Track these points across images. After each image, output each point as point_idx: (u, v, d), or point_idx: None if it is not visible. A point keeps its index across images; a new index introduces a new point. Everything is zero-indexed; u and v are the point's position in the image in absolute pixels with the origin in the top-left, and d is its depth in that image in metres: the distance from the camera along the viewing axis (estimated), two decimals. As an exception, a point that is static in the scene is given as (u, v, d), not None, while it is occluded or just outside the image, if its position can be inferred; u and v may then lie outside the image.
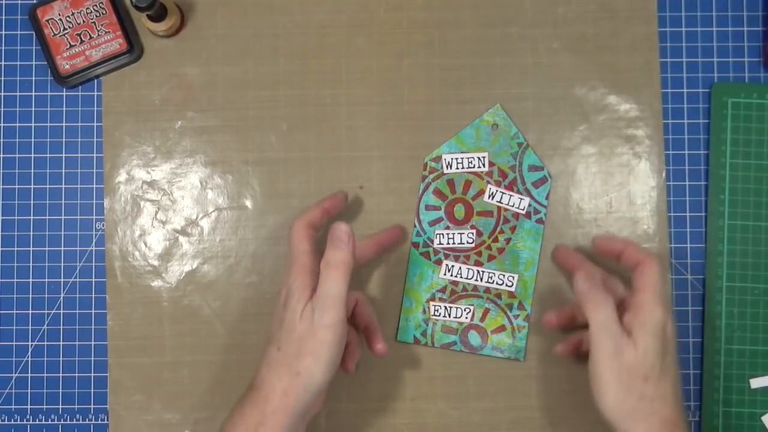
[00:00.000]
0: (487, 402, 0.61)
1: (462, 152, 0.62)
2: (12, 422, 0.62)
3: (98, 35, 0.62)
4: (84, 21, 0.62)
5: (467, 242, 0.61)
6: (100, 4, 0.62)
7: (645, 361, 0.50)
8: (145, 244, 0.62)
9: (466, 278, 0.61)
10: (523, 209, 0.61)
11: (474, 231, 0.61)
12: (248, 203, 0.62)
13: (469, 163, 0.61)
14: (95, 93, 0.63)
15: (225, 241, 0.62)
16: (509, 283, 0.61)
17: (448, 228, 0.61)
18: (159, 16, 0.60)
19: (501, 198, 0.61)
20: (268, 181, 0.62)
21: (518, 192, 0.61)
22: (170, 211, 0.62)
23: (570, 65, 0.62)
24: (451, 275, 0.61)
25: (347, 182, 0.62)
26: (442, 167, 0.62)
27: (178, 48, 0.63)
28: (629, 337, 0.51)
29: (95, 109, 0.63)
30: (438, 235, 0.61)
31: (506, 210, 0.61)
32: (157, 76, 0.62)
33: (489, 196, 0.61)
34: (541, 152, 0.62)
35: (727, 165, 0.61)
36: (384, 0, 0.63)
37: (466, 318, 0.61)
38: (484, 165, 0.61)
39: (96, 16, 0.62)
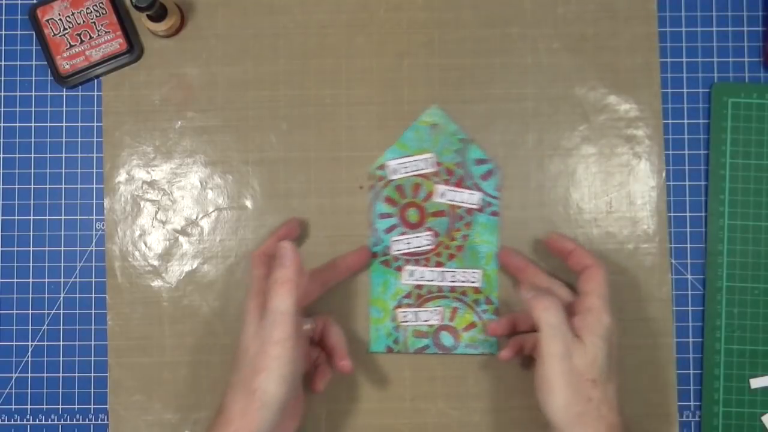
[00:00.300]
0: (486, 402, 0.61)
1: (406, 156, 0.62)
2: (12, 422, 0.62)
3: (98, 35, 0.62)
4: (84, 21, 0.62)
5: (425, 245, 0.61)
6: (100, 4, 0.62)
7: (594, 365, 0.50)
8: (145, 244, 0.62)
9: (430, 281, 0.61)
10: (475, 204, 0.61)
11: (430, 233, 0.61)
12: (248, 203, 0.62)
13: (414, 166, 0.61)
14: (95, 93, 0.63)
15: (225, 241, 0.62)
16: (473, 280, 0.61)
17: (404, 233, 0.61)
18: (159, 16, 0.60)
19: (452, 196, 0.61)
20: (268, 181, 0.62)
21: (468, 188, 0.61)
22: (170, 211, 0.62)
23: (570, 65, 0.62)
24: (415, 280, 0.61)
25: (347, 182, 0.62)
26: (387, 174, 0.61)
27: (178, 48, 0.63)
28: (579, 340, 0.51)
29: (95, 109, 0.63)
30: (395, 242, 0.61)
31: (459, 207, 0.61)
32: (157, 76, 0.62)
33: (439, 196, 0.61)
34: (541, 152, 0.62)
35: (727, 165, 0.61)
36: (384, 0, 0.63)
37: (436, 320, 0.61)
38: (429, 166, 0.61)
39: (96, 16, 0.62)
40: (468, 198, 0.61)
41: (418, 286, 0.61)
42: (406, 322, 0.61)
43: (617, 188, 0.62)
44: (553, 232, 0.59)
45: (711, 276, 0.61)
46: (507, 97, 0.62)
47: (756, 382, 0.61)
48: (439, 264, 0.61)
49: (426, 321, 0.61)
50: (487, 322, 0.61)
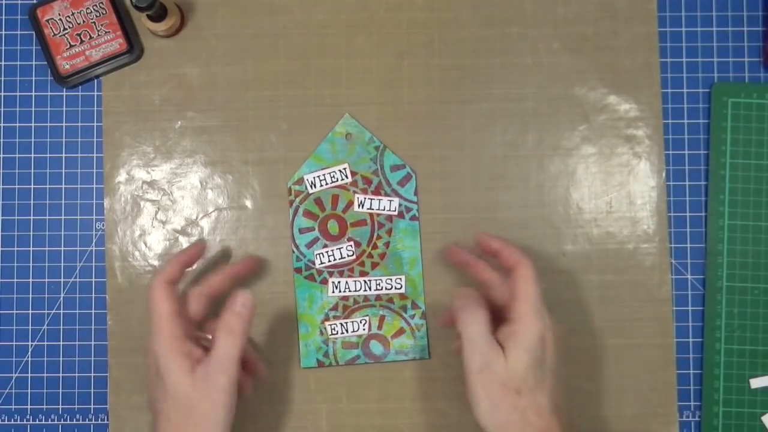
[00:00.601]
0: (487, 402, 0.61)
1: (322, 169, 0.61)
2: (12, 422, 0.62)
3: (98, 35, 0.62)
4: (84, 21, 0.62)
5: (347, 255, 0.61)
6: (100, 4, 0.62)
7: (515, 375, 0.50)
8: (145, 244, 0.62)
9: (355, 291, 0.61)
10: (394, 210, 0.61)
11: (352, 243, 0.61)
12: (248, 203, 0.62)
13: (331, 177, 0.61)
14: (95, 93, 0.63)
15: (225, 241, 0.62)
16: (398, 286, 0.61)
17: (325, 246, 0.61)
18: (159, 16, 0.60)
19: (370, 204, 0.61)
20: (268, 181, 0.62)
21: (386, 194, 0.61)
22: (170, 211, 0.62)
23: (570, 65, 0.62)
24: (340, 291, 0.61)
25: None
26: (306, 188, 0.61)
27: (178, 48, 0.63)
28: (500, 351, 0.50)
29: (95, 109, 0.63)
30: (318, 255, 0.61)
31: (378, 215, 0.61)
32: (157, 76, 0.62)
33: (358, 206, 0.61)
34: (541, 152, 0.62)
35: (727, 165, 0.61)
36: (384, 0, 0.63)
37: (364, 330, 0.61)
38: (346, 176, 0.61)
39: (96, 16, 0.62)
40: (387, 205, 0.61)
41: (344, 298, 0.61)
42: (335, 334, 0.61)
43: (617, 188, 0.62)
44: (482, 232, 0.58)
45: (711, 276, 0.61)
46: (507, 97, 0.62)
47: (756, 382, 0.61)
48: (363, 273, 0.61)
49: (354, 332, 0.61)
50: (416, 326, 0.61)
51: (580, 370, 0.61)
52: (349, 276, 0.61)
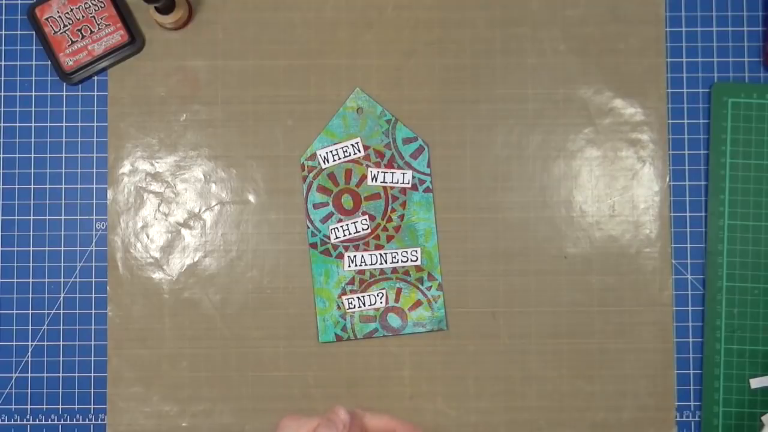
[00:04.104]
0: (485, 402, 0.61)
1: (334, 144, 0.62)
2: (12, 422, 0.61)
3: (99, 29, 0.62)
4: (83, 16, 0.62)
5: (362, 229, 0.61)
6: (99, -1, 0.62)
7: None
8: (147, 236, 0.62)
9: (371, 264, 0.61)
10: (408, 183, 0.62)
11: (366, 217, 0.61)
12: (251, 198, 0.62)
13: (344, 152, 0.62)
14: (95, 93, 0.63)
15: (227, 235, 0.62)
16: (413, 258, 0.61)
17: (340, 221, 0.61)
18: (167, 8, 0.60)
19: (384, 178, 0.61)
20: (271, 176, 0.62)
21: (399, 167, 0.62)
22: (173, 203, 0.62)
23: (576, 68, 0.62)
24: (356, 265, 0.61)
25: (348, 182, 0.62)
26: (319, 163, 0.62)
27: (184, 41, 0.63)
28: None
29: (95, 109, 0.63)
30: (333, 230, 0.61)
31: (392, 188, 0.62)
32: (163, 69, 0.62)
33: (372, 179, 0.62)
34: (546, 154, 0.62)
35: (727, 165, 0.61)
36: (392, -2, 0.63)
37: (381, 303, 0.61)
38: (359, 150, 0.62)
39: (95, 10, 0.62)
40: (401, 177, 0.61)
41: (360, 272, 0.61)
42: (352, 308, 0.61)
43: (621, 192, 0.62)
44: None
45: (711, 276, 0.61)
46: (512, 98, 0.62)
47: (756, 382, 0.61)
48: (378, 247, 0.61)
49: (372, 305, 0.61)
50: (433, 297, 0.61)
51: (580, 373, 0.61)
52: (365, 249, 0.61)
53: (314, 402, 0.61)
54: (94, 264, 0.62)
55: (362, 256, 0.61)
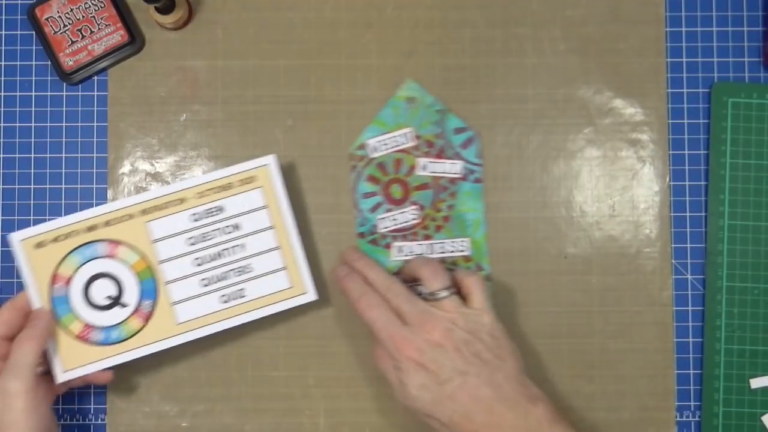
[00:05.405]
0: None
1: (385, 133, 0.62)
2: (12, 422, 0.61)
3: (99, 29, 0.62)
4: (83, 16, 0.62)
5: (411, 219, 0.61)
6: (98, -2, 0.62)
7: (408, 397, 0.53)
8: (147, 241, 0.62)
9: (419, 254, 0.61)
10: (458, 173, 0.61)
11: (415, 206, 0.61)
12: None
13: (394, 142, 0.62)
14: (95, 93, 0.63)
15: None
16: (462, 248, 0.61)
17: (389, 210, 0.61)
18: (167, 8, 0.60)
19: (434, 168, 0.61)
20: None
21: (449, 158, 0.61)
22: (173, 205, 0.62)
23: (576, 67, 0.62)
24: (404, 255, 0.61)
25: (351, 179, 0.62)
26: (368, 153, 0.62)
27: (185, 40, 0.63)
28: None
29: (95, 109, 0.63)
30: (381, 220, 0.61)
31: (441, 178, 0.61)
32: (164, 69, 0.62)
33: (422, 169, 0.61)
34: (546, 154, 0.62)
35: (727, 165, 0.61)
36: (392, -2, 0.63)
37: None
38: (409, 140, 0.61)
39: (95, 10, 0.62)
40: (450, 168, 0.61)
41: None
42: None
43: (621, 192, 0.62)
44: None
45: (711, 276, 0.61)
46: (512, 98, 0.62)
47: (756, 382, 0.61)
48: (427, 237, 0.61)
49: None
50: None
51: (580, 373, 0.61)
52: (413, 240, 0.61)
53: (314, 402, 0.61)
54: (94, 264, 0.62)
55: (411, 246, 0.61)
